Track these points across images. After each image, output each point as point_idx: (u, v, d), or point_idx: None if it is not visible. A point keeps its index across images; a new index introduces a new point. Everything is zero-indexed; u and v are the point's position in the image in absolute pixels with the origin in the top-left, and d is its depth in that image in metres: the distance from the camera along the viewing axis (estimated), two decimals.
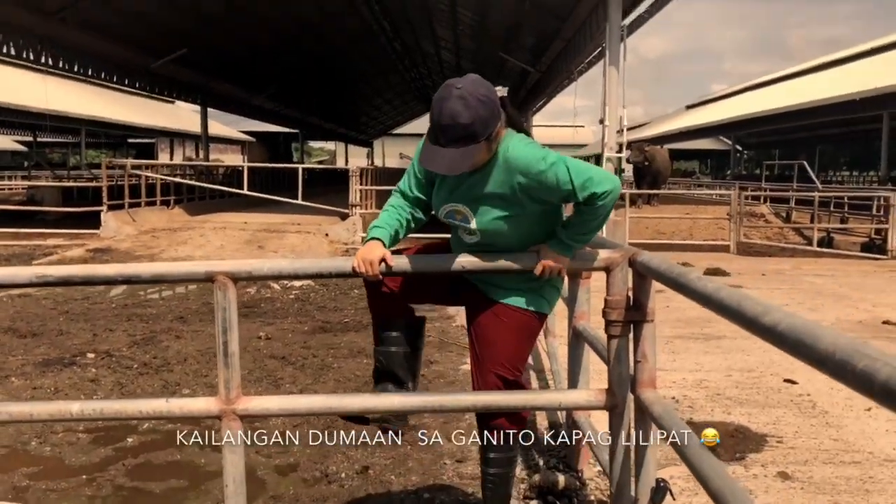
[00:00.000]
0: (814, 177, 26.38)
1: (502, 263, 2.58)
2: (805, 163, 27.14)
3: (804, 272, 11.38)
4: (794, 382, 5.37)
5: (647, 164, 21.03)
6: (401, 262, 2.47)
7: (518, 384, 2.78)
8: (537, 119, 39.00)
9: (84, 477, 3.95)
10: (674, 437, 2.06)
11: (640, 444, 2.48)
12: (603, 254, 2.52)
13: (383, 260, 2.55)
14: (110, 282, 2.31)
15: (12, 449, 4.33)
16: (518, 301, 2.75)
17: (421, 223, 2.91)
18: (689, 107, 57.18)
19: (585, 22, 17.03)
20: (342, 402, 2.56)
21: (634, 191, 18.67)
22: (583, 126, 73.53)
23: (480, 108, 2.45)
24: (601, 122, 14.47)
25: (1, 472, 3.99)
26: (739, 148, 56.93)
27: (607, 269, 2.50)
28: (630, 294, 2.50)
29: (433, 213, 2.84)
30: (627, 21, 14.88)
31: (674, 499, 2.52)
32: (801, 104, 30.91)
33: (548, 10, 17.99)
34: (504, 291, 2.76)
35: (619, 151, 14.75)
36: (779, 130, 42.32)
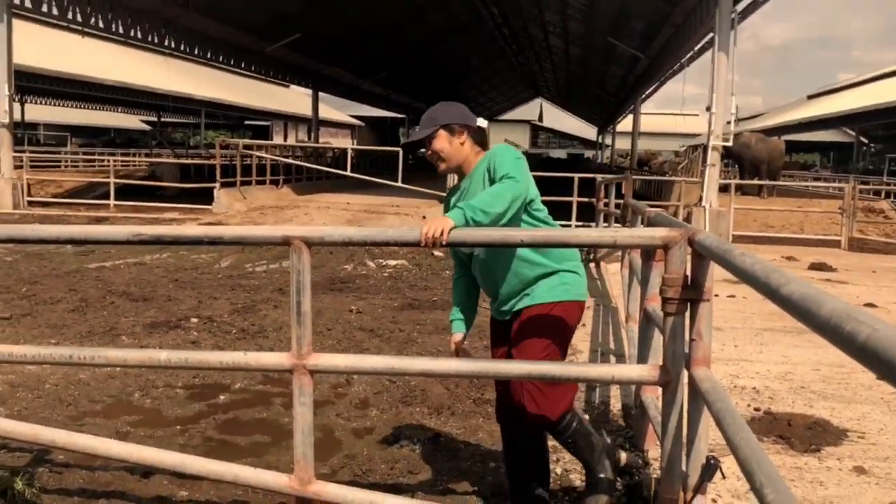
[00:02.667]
0: None
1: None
2: None
3: None
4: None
5: (739, 151, 20.06)
6: (461, 234, 2.57)
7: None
8: (647, 107, 38.16)
9: (178, 427, 4.27)
10: (716, 409, 2.09)
11: (692, 420, 2.51)
12: (661, 231, 2.55)
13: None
14: (197, 242, 2.53)
15: (117, 399, 4.71)
16: (539, 299, 2.96)
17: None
18: (811, 97, 54.52)
19: (696, 7, 16.56)
20: (402, 363, 2.70)
21: (735, 181, 17.94)
22: (697, 115, 71.40)
23: (444, 108, 3.13)
24: (708, 109, 14.08)
25: (106, 418, 4.36)
26: (865, 140, 53.84)
27: (665, 247, 2.53)
28: (688, 273, 2.53)
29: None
30: (740, 7, 14.40)
31: (724, 477, 2.54)
32: None
33: None
34: (527, 297, 2.99)
35: (727, 140, 14.32)
36: None
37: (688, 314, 2.54)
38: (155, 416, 4.44)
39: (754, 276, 1.71)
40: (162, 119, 54.16)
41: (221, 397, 4.82)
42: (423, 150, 3.09)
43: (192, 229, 2.56)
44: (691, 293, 2.50)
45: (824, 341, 4.49)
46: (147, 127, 63.16)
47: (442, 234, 2.56)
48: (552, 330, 2.93)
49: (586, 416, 4.33)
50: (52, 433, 2.82)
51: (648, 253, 3.57)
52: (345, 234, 2.63)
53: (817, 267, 10.28)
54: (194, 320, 6.81)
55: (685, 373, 2.56)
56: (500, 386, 3.15)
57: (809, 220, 16.53)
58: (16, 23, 15.73)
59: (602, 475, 3.06)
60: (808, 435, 4.11)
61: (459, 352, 3.13)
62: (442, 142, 3.03)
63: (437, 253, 11.76)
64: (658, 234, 2.53)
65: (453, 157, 3.06)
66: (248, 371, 4.63)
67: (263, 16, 22.51)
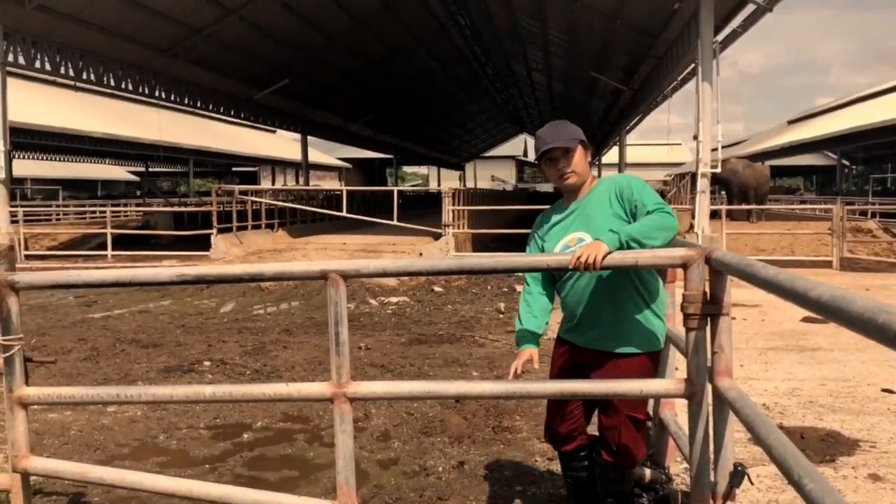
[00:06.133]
0: None
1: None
2: None
3: None
4: (892, 392, 5.32)
5: (727, 178, 20.45)
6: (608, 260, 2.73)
7: (644, 423, 3.17)
8: (631, 137, 38.63)
9: (207, 466, 4.35)
10: (745, 415, 2.22)
11: (718, 429, 2.64)
12: (680, 251, 2.70)
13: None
14: (239, 280, 2.64)
15: (143, 442, 4.79)
16: (632, 348, 3.03)
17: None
18: (791, 122, 55.34)
19: (677, 39, 16.95)
20: (439, 387, 2.82)
21: (724, 206, 18.23)
22: (679, 144, 72.34)
23: (570, 125, 3.19)
24: (695, 138, 14.36)
25: (135, 460, 4.44)
26: (846, 163, 54.61)
27: (685, 266, 2.68)
28: (707, 290, 2.67)
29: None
30: (720, 37, 14.75)
31: (752, 483, 2.66)
32: None
33: (639, 28, 18.00)
34: (618, 342, 3.03)
35: (714, 167, 14.58)
36: (889, 143, 40.38)
37: (707, 329, 2.68)
38: (182, 457, 4.52)
39: (780, 284, 1.86)
40: (150, 169, 54.42)
41: (245, 436, 4.90)
42: (539, 160, 3.12)
43: (233, 268, 2.68)
44: (711, 308, 2.64)
45: (829, 357, 4.68)
46: (135, 178, 63.35)
47: (595, 261, 2.67)
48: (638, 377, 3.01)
49: None
50: (100, 471, 2.91)
51: (661, 275, 3.72)
52: (379, 266, 2.77)
53: None
54: (207, 363, 6.90)
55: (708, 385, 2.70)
56: (567, 407, 3.18)
57: (799, 242, 16.78)
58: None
59: None
60: (822, 446, 4.24)
61: (525, 370, 3.05)
62: (580, 156, 3.09)
63: (436, 288, 11.88)
64: (678, 253, 2.68)
65: (584, 173, 3.11)
66: (290, 401, 4.72)
67: (252, 63, 22.85)
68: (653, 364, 3.07)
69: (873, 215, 21.99)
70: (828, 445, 4.25)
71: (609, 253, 2.69)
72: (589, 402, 3.18)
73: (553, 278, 3.17)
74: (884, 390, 5.37)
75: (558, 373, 3.21)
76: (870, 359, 6.35)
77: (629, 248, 2.74)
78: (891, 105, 36.06)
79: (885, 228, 19.74)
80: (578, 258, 2.68)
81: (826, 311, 1.52)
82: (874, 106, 39.91)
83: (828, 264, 14.67)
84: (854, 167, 59.08)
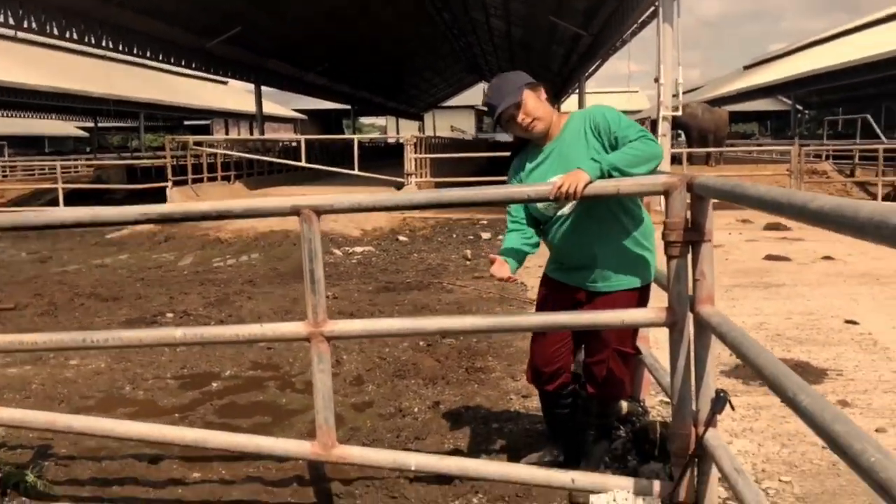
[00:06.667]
0: (879, 131, 25.59)
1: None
2: (869, 116, 26.31)
3: None
4: (855, 323, 5.42)
5: (687, 122, 20.60)
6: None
7: (632, 357, 3.22)
8: (590, 85, 38.54)
9: (176, 415, 4.26)
10: (732, 338, 2.20)
11: (700, 357, 2.63)
12: (662, 178, 2.65)
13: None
14: (206, 217, 2.53)
15: (108, 394, 4.67)
16: (622, 283, 2.97)
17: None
18: (747, 67, 55.76)
19: None
20: (418, 323, 2.76)
21: (685, 149, 18.36)
22: (637, 91, 72.51)
23: (512, 75, 3.04)
24: (656, 80, 14.32)
25: (101, 411, 4.32)
26: (800, 108, 55.31)
27: (666, 193, 2.63)
28: (688, 216, 2.63)
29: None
30: None
31: (733, 409, 2.65)
32: (865, 58, 29.81)
33: None
34: (608, 280, 2.97)
35: (675, 111, 14.60)
36: (842, 87, 40.90)
37: (689, 257, 2.65)
38: (151, 407, 4.42)
39: (775, 200, 1.81)
40: (99, 124, 52.90)
41: (214, 384, 4.81)
42: (499, 124, 2.95)
43: (200, 205, 2.56)
44: (693, 235, 2.60)
45: (793, 293, 4.72)
46: (84, 133, 61.57)
47: (576, 190, 2.58)
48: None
49: None
50: (69, 419, 2.81)
51: None
52: (354, 201, 2.68)
53: (773, 227, 10.61)
54: (170, 315, 6.75)
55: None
56: (552, 346, 3.09)
57: (758, 183, 16.99)
58: None
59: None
60: None
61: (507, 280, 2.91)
62: (534, 100, 2.91)
63: (401, 238, 11.80)
64: (660, 180, 2.63)
65: (546, 115, 2.94)
66: (265, 342, 4.64)
67: (203, 12, 22.12)
68: (643, 296, 3.03)
69: (827, 157, 22.34)
70: (797, 375, 4.32)
71: (590, 182, 2.63)
72: (575, 338, 3.11)
73: (536, 222, 3.06)
74: (847, 321, 5.47)
75: (543, 309, 3.16)
76: (832, 293, 6.46)
77: (611, 177, 2.67)
78: (842, 50, 36.47)
79: (838, 170, 20.09)
80: (559, 188, 2.61)
81: (830, 221, 1.47)
82: (827, 50, 40.34)
83: None
84: (807, 112, 59.89)
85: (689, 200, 2.61)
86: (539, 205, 2.97)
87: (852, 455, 1.39)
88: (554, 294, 3.11)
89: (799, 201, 1.64)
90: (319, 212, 2.66)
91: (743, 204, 2.10)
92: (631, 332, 3.09)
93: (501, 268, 2.89)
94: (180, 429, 2.86)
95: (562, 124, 3.00)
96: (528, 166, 3.04)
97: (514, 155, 3.14)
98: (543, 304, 3.17)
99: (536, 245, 3.07)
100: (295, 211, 2.64)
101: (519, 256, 3.00)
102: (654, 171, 2.76)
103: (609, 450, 3.30)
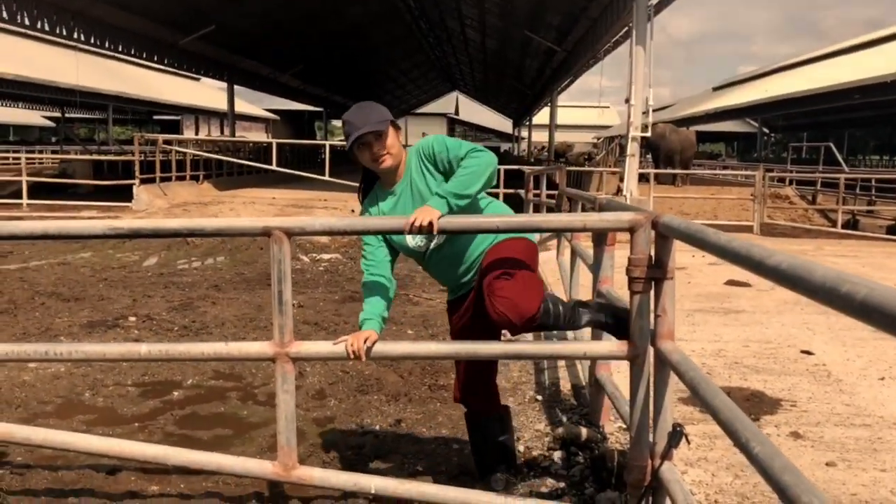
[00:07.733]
0: (840, 159, 26.17)
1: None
2: (832, 145, 26.91)
3: (827, 253, 11.45)
4: (810, 353, 5.54)
5: (655, 142, 20.90)
6: (445, 222, 2.68)
7: (534, 273, 3.05)
8: (562, 99, 38.90)
9: (136, 425, 4.23)
10: (690, 378, 2.26)
11: (659, 391, 2.69)
12: (628, 215, 2.71)
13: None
14: (177, 234, 2.53)
15: (67, 399, 4.62)
16: (497, 240, 3.03)
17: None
18: (716, 88, 56.63)
19: (612, 1, 17.03)
20: (384, 348, 2.78)
21: (654, 170, 18.62)
22: (608, 107, 73.28)
23: (377, 107, 3.10)
24: (627, 101, 14.53)
25: (59, 418, 4.28)
26: (767, 131, 56.36)
27: (631, 230, 2.70)
28: (652, 253, 2.69)
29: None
30: (655, 0, 14.88)
31: (689, 443, 2.72)
32: (831, 86, 30.52)
33: None
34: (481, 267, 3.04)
35: (645, 131, 14.81)
36: (808, 113, 41.87)
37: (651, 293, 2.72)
38: (110, 415, 4.38)
39: (735, 251, 1.87)
40: (66, 115, 52.03)
41: (175, 393, 4.78)
42: (352, 146, 2.96)
43: (170, 222, 2.55)
44: (656, 272, 2.67)
45: (752, 320, 4.80)
46: (50, 123, 60.51)
47: (430, 224, 2.65)
48: (519, 248, 3.00)
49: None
50: (27, 431, 2.78)
51: (600, 238, 3.75)
52: (325, 224, 2.70)
53: None
54: (132, 319, 6.69)
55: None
56: (462, 365, 3.24)
57: (722, 206, 17.29)
58: None
59: (601, 315, 3.07)
60: (747, 406, 4.39)
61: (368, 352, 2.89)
62: (393, 138, 3.02)
63: None
64: (626, 217, 2.69)
65: (398, 155, 3.03)
66: (230, 361, 4.61)
67: (177, 7, 21.94)
68: (524, 239, 3.04)
69: (790, 182, 22.80)
70: (752, 405, 4.41)
71: (442, 216, 2.71)
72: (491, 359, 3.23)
73: (396, 255, 3.17)
74: (803, 352, 5.59)
75: (458, 333, 3.20)
76: (789, 321, 6.60)
77: (458, 206, 2.76)
78: (810, 76, 37.30)
79: (801, 196, 20.52)
80: (412, 223, 2.68)
81: (785, 279, 1.53)
82: (795, 76, 41.20)
83: (748, 229, 15.17)
84: (773, 135, 61.06)
85: (653, 238, 2.68)
86: (410, 243, 3.06)
87: None
88: (460, 312, 3.16)
89: (756, 256, 1.70)
90: (291, 234, 2.68)
91: (704, 250, 2.16)
92: (530, 254, 3.04)
93: (362, 345, 2.86)
94: (141, 444, 2.85)
95: (406, 162, 3.09)
96: (383, 207, 3.09)
97: (364, 181, 3.23)
98: (454, 328, 3.25)
99: (393, 285, 3.14)
100: (266, 232, 2.66)
101: (384, 315, 3.07)
102: (491, 178, 2.86)
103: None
